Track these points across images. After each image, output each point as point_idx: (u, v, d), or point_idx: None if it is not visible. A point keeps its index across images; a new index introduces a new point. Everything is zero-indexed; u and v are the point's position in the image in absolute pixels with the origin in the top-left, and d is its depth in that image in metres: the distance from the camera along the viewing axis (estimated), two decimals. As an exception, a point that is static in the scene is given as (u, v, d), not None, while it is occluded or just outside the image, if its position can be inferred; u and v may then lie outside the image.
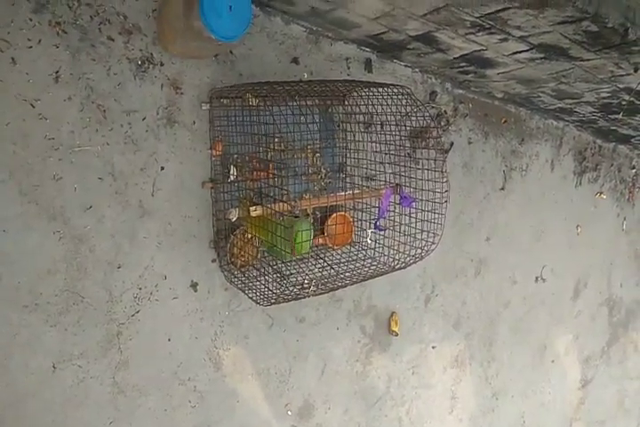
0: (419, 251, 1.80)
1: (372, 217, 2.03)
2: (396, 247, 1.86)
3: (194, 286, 2.02)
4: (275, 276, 1.95)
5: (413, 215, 1.82)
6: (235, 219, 1.91)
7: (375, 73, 2.48)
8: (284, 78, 2.16)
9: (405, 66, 2.59)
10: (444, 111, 2.77)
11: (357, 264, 1.91)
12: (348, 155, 2.26)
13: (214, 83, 1.99)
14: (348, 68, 2.39)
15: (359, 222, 2.18)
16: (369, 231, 2.02)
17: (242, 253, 2.04)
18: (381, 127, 2.10)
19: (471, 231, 3.01)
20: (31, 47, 1.63)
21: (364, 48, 2.42)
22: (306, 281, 1.77)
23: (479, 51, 2.23)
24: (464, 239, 2.97)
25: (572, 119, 3.34)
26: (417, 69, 2.63)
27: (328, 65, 2.32)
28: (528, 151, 3.26)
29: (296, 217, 1.81)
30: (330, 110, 2.24)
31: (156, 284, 1.93)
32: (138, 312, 1.90)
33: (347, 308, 2.50)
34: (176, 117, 1.92)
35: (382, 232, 1.91)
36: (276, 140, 2.04)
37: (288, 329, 2.30)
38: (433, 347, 2.92)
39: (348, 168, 2.29)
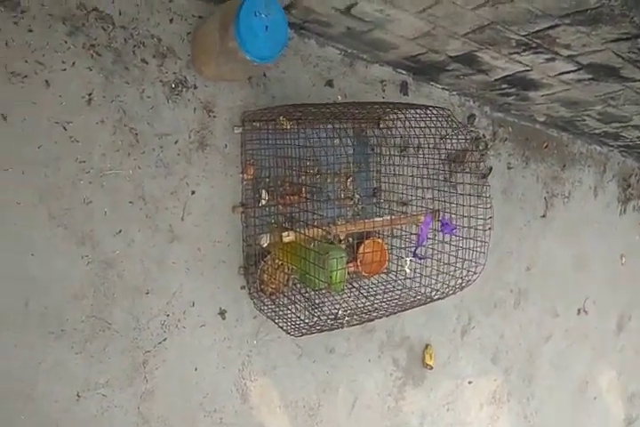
0: (459, 281, 1.71)
1: (410, 244, 1.94)
2: (434, 277, 1.77)
3: (222, 313, 1.96)
4: (306, 304, 1.87)
5: (454, 243, 1.74)
6: (266, 245, 1.85)
7: (411, 96, 2.44)
8: (318, 101, 2.13)
9: (442, 88, 2.55)
10: (483, 135, 2.71)
11: (394, 294, 1.83)
12: (383, 179, 2.20)
13: (247, 106, 1.97)
14: (384, 90, 2.35)
15: (395, 250, 2.10)
16: (407, 260, 1.93)
17: (272, 279, 1.98)
18: (417, 150, 2.04)
19: (511, 260, 2.92)
20: (65, 70, 1.63)
21: (400, 70, 2.38)
22: (340, 311, 1.69)
23: (523, 71, 2.18)
24: (503, 269, 2.89)
25: (616, 144, 3.27)
26: (454, 92, 2.58)
27: (363, 88, 2.29)
28: (570, 177, 3.19)
29: (330, 243, 1.74)
30: (364, 133, 2.19)
31: (183, 311, 1.88)
32: (165, 340, 1.84)
33: (379, 338, 2.41)
34: (208, 141, 1.89)
35: (421, 261, 1.82)
36: (309, 163, 2.00)
37: (318, 360, 2.22)
38: (469, 382, 2.80)
39: (383, 193, 2.22)
